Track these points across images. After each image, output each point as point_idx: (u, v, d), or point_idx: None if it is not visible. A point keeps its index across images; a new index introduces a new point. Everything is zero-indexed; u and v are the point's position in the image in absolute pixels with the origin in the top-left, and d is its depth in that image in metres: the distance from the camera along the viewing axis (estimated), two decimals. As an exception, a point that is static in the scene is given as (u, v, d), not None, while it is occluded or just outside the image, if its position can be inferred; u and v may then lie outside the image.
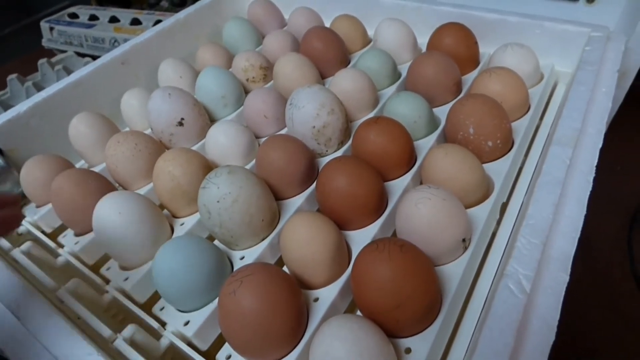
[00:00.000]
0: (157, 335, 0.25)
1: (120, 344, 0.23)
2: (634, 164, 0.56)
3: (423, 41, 0.44)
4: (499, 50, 0.38)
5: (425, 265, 0.23)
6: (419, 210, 0.25)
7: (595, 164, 0.27)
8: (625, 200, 0.52)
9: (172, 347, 0.25)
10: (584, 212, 0.24)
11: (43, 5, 1.32)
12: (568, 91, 0.35)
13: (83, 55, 0.71)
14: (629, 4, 0.42)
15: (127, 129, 0.43)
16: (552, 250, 0.22)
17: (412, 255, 0.22)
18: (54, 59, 0.70)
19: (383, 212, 0.29)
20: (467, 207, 0.28)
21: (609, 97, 0.32)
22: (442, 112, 0.36)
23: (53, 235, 0.33)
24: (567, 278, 0.21)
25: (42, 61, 0.67)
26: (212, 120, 0.40)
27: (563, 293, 0.21)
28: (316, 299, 0.25)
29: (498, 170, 0.30)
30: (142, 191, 0.34)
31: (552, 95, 0.40)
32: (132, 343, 0.24)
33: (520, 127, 0.33)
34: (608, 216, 0.49)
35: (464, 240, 0.25)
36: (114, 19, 0.73)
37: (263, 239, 0.29)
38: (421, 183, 0.32)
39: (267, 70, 0.44)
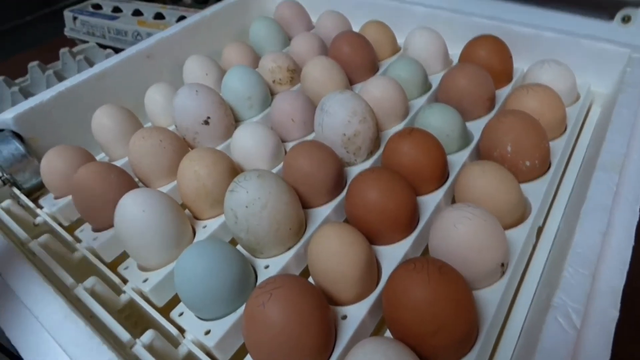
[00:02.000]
0: (175, 343, 0.24)
1: (139, 350, 0.22)
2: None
3: (454, 52, 0.43)
4: (535, 66, 0.37)
5: (465, 289, 0.22)
6: (458, 230, 0.24)
7: (641, 191, 0.26)
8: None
9: (189, 355, 0.24)
10: (632, 243, 0.23)
11: (69, -2, 1.33)
12: (608, 113, 0.34)
13: (104, 47, 0.71)
14: (668, 27, 0.41)
15: (149, 124, 0.42)
16: (600, 283, 0.21)
17: (451, 278, 0.21)
18: (75, 49, 0.69)
19: (415, 229, 0.28)
20: (504, 228, 0.27)
21: (652, 122, 0.31)
22: (474, 126, 0.35)
23: (70, 229, 0.32)
24: (617, 314, 0.20)
25: (63, 50, 0.67)
26: (237, 120, 0.40)
27: (613, 331, 0.20)
28: (344, 317, 0.24)
29: (535, 191, 0.29)
30: (165, 189, 0.33)
31: (586, 116, 0.38)
32: (151, 350, 0.23)
33: (557, 147, 0.32)
34: None
35: (502, 264, 0.24)
36: (137, 12, 0.72)
37: (289, 249, 0.28)
38: (453, 200, 0.31)
39: (295, 72, 0.43)
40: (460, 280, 0.22)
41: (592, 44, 0.38)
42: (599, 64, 0.38)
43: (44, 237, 0.30)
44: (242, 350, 0.24)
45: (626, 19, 0.44)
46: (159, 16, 0.71)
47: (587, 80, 0.38)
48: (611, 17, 0.45)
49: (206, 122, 0.36)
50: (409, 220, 0.27)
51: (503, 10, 0.45)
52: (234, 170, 0.31)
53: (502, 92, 0.38)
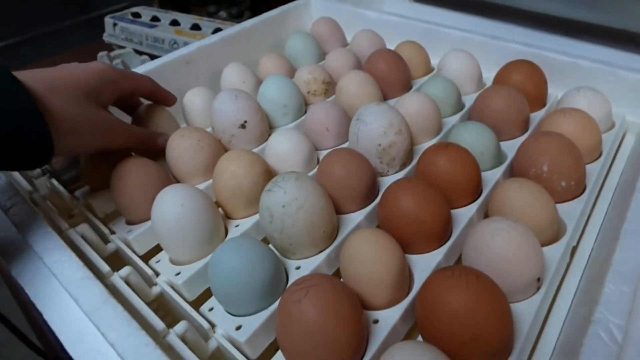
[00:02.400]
0: (206, 336, 0.25)
1: (173, 339, 0.23)
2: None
3: (487, 76, 0.44)
4: (571, 92, 0.38)
5: (502, 299, 0.21)
6: (496, 242, 0.24)
7: (681, 217, 0.26)
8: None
9: (219, 350, 0.24)
10: (673, 266, 0.23)
11: (103, 3, 1.39)
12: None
13: (141, 53, 0.73)
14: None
15: (184, 125, 0.43)
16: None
17: (489, 287, 0.21)
18: (112, 53, 0.72)
19: (447, 240, 0.28)
20: (538, 246, 0.27)
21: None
22: (507, 146, 0.35)
23: (105, 220, 0.33)
24: (659, 334, 0.20)
25: (101, 54, 0.70)
26: (271, 127, 0.40)
27: (655, 351, 0.19)
28: (376, 321, 0.24)
29: (570, 212, 0.29)
30: (200, 187, 0.33)
31: (620, 144, 0.38)
32: (184, 340, 0.23)
33: (592, 171, 0.32)
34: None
35: (538, 279, 0.24)
36: (175, 22, 0.75)
37: (320, 251, 0.28)
38: (486, 215, 0.31)
39: (329, 85, 0.44)
40: (498, 289, 0.22)
41: (627, 75, 0.38)
42: (635, 94, 0.39)
43: (81, 227, 0.30)
44: (270, 350, 0.24)
45: (660, 53, 0.44)
46: (195, 27, 0.73)
47: (622, 110, 0.38)
48: (645, 49, 0.45)
49: (243, 126, 0.37)
50: (443, 231, 0.27)
51: (537, 38, 0.46)
52: (269, 172, 0.32)
53: (536, 116, 0.39)
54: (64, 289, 0.24)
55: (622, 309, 0.20)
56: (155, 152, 0.35)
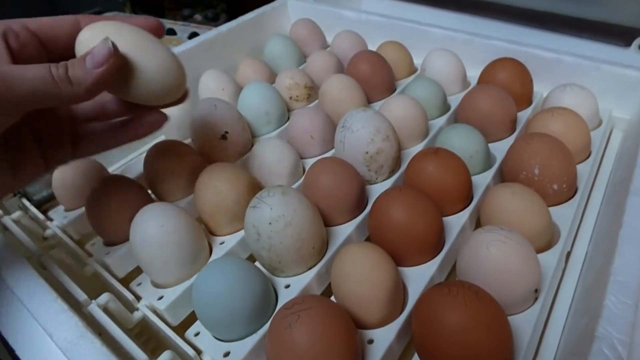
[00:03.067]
0: (192, 365, 0.23)
1: (156, 372, 0.21)
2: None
3: (472, 75, 0.43)
4: (557, 90, 0.37)
5: (502, 316, 0.21)
6: (491, 253, 0.23)
7: (675, 217, 0.25)
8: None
9: (206, 379, 0.23)
10: (671, 270, 0.22)
11: (72, 9, 1.34)
12: (633, 138, 0.33)
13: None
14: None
15: (163, 137, 0.41)
16: (642, 312, 0.20)
17: (488, 304, 0.20)
18: (86, 61, 0.69)
19: (441, 250, 0.27)
20: (533, 252, 0.26)
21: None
22: (496, 148, 0.35)
23: (81, 243, 0.31)
24: (662, 345, 0.19)
25: (74, 62, 0.67)
26: (253, 136, 0.39)
27: (659, 363, 0.19)
28: (371, 341, 0.23)
29: (563, 215, 0.29)
30: (180, 204, 0.32)
31: (608, 141, 0.38)
32: (168, 372, 0.21)
33: (583, 172, 0.32)
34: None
35: (536, 290, 0.23)
36: (149, 27, 0.73)
37: (310, 268, 0.27)
38: (478, 221, 0.30)
39: (311, 89, 0.43)
40: (497, 306, 0.21)
41: (613, 70, 0.38)
42: (621, 89, 0.38)
43: (56, 251, 0.28)
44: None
45: (642, 47, 0.44)
46: (170, 32, 0.71)
47: (608, 106, 0.38)
48: (627, 44, 0.45)
49: (224, 137, 0.35)
50: (436, 241, 0.27)
51: (520, 34, 0.45)
52: (254, 186, 0.31)
53: (522, 115, 0.38)
54: (38, 324, 0.22)
55: (626, 323, 0.19)
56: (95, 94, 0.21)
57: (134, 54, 0.22)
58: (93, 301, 0.24)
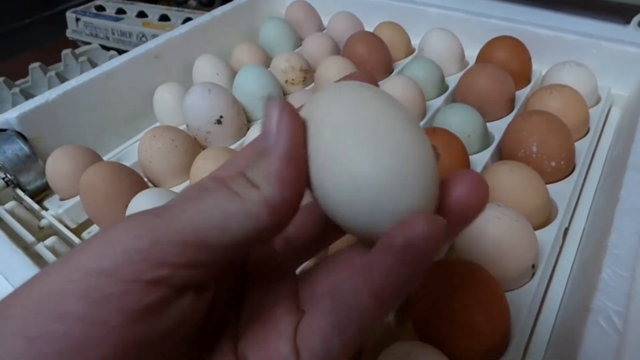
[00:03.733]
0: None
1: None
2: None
3: (470, 54, 0.43)
4: (556, 67, 0.37)
5: (499, 291, 0.21)
6: (489, 230, 0.23)
7: (673, 192, 0.25)
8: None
9: None
10: (669, 244, 0.22)
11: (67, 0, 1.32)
12: (632, 115, 0.33)
13: (108, 49, 0.70)
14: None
15: (158, 124, 0.41)
16: (638, 285, 0.20)
17: (486, 280, 0.20)
18: (78, 50, 0.68)
19: (439, 230, 0.27)
20: (531, 230, 0.26)
21: (678, 123, 0.30)
22: (494, 127, 0.34)
23: (77, 231, 0.31)
24: (659, 318, 0.19)
25: (66, 52, 0.66)
26: (249, 120, 0.39)
27: (657, 335, 0.19)
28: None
29: (561, 192, 0.28)
30: (176, 189, 0.32)
31: (606, 118, 0.38)
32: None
33: (581, 149, 0.31)
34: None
35: (533, 266, 0.23)
36: (142, 14, 0.71)
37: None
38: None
39: (307, 72, 0.42)
40: (495, 282, 0.21)
41: (612, 47, 0.38)
42: (619, 66, 0.38)
43: (50, 240, 0.28)
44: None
45: (642, 23, 0.44)
46: (164, 18, 0.70)
47: (607, 83, 0.38)
48: (627, 22, 0.45)
49: (219, 122, 0.35)
50: (434, 221, 0.26)
51: (518, 12, 0.44)
52: (249, 170, 0.30)
53: (521, 94, 0.38)
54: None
55: (621, 295, 0.19)
56: None
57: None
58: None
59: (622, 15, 0.45)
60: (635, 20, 0.44)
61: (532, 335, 0.23)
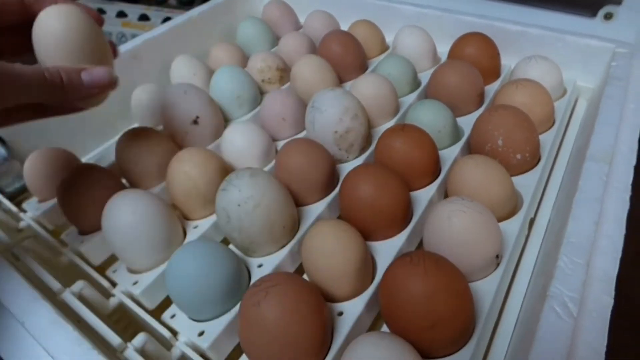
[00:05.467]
0: (168, 345, 0.24)
1: (131, 354, 0.22)
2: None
3: (442, 50, 0.43)
4: (522, 62, 0.38)
5: (462, 282, 0.21)
6: (453, 223, 0.24)
7: (630, 182, 0.26)
8: None
9: (183, 357, 0.24)
10: (624, 231, 0.24)
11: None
12: (595, 106, 0.34)
13: (87, 49, 0.69)
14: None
15: (136, 125, 0.41)
16: (594, 271, 0.21)
17: (448, 271, 0.21)
18: (57, 51, 0.68)
19: (408, 223, 0.28)
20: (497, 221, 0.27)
21: (638, 114, 0.32)
22: (464, 122, 0.35)
23: (55, 233, 0.31)
24: (611, 301, 0.20)
25: (44, 53, 0.65)
26: (226, 120, 0.39)
27: (609, 318, 0.20)
28: (340, 313, 0.23)
29: (526, 184, 0.29)
30: (154, 191, 0.32)
31: (573, 110, 0.39)
32: (143, 353, 0.22)
33: (546, 141, 0.33)
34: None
35: (497, 256, 0.24)
36: (121, 14, 0.71)
37: (282, 247, 0.27)
38: (446, 194, 0.31)
39: (284, 71, 0.43)
40: (457, 273, 0.22)
41: (577, 40, 0.39)
42: (584, 59, 0.39)
43: (28, 242, 0.29)
44: (237, 351, 0.23)
45: (608, 16, 0.45)
46: (143, 17, 0.70)
47: (573, 75, 0.39)
48: (594, 14, 0.46)
49: (195, 122, 0.35)
50: (403, 215, 0.27)
51: (489, 8, 0.45)
52: (225, 169, 0.31)
53: (490, 88, 0.39)
54: (10, 312, 0.23)
55: (577, 281, 0.20)
56: (86, 100, 0.24)
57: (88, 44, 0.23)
58: (67, 289, 0.25)
59: (589, 8, 0.47)
60: (601, 12, 0.45)
61: (499, 322, 0.25)
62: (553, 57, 0.38)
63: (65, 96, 0.22)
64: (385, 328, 0.23)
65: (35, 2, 0.23)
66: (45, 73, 0.22)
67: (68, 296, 0.24)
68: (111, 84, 0.24)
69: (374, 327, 0.25)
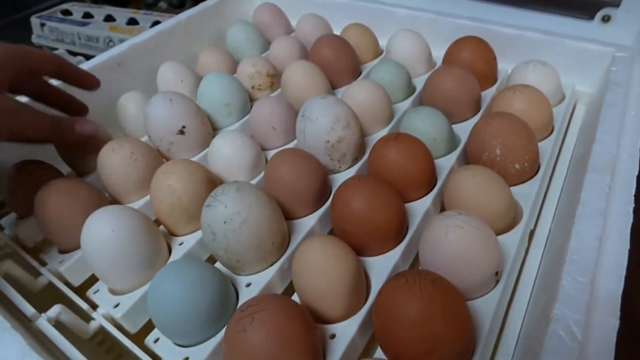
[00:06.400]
0: (151, 372, 0.22)
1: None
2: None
3: (437, 55, 0.42)
4: (520, 66, 0.37)
5: (460, 303, 0.20)
6: (449, 239, 0.22)
7: (633, 193, 0.25)
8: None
9: (167, 386, 0.22)
10: (628, 246, 0.22)
11: (33, 1, 1.28)
12: (594, 113, 0.33)
13: (75, 54, 0.68)
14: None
15: (122, 135, 0.40)
16: (599, 291, 0.20)
17: (446, 292, 0.20)
18: (43, 57, 0.66)
19: (404, 238, 0.27)
20: (495, 234, 0.26)
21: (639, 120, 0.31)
22: (460, 129, 0.34)
23: (35, 251, 0.30)
24: (617, 322, 0.19)
25: (30, 58, 0.64)
26: (215, 129, 0.38)
27: (615, 340, 0.19)
28: (333, 336, 0.22)
29: (525, 194, 0.28)
30: (137, 205, 0.31)
31: (571, 116, 0.38)
32: (123, 383, 0.21)
33: (545, 149, 0.32)
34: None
35: (496, 273, 0.23)
36: (109, 18, 0.69)
37: (272, 264, 0.26)
38: (442, 205, 0.29)
39: (275, 77, 0.41)
40: (455, 293, 0.20)
41: (575, 44, 0.38)
42: (583, 63, 0.38)
43: (5, 263, 0.27)
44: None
45: (606, 19, 0.44)
46: (132, 22, 0.68)
47: (571, 80, 0.38)
48: (591, 17, 0.45)
49: (181, 132, 0.34)
50: (398, 229, 0.26)
51: (485, 11, 0.44)
52: (212, 182, 0.30)
53: (487, 94, 0.38)
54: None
55: (581, 302, 0.19)
56: (77, 143, 0.32)
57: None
58: (42, 315, 0.23)
59: (587, 11, 0.46)
60: (598, 15, 0.44)
61: (499, 343, 0.23)
62: (551, 61, 0.37)
63: (66, 138, 0.32)
64: (379, 351, 0.22)
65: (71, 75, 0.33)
66: (58, 120, 0.31)
67: (43, 323, 0.23)
68: (95, 137, 0.33)
69: (368, 350, 0.24)
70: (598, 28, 0.45)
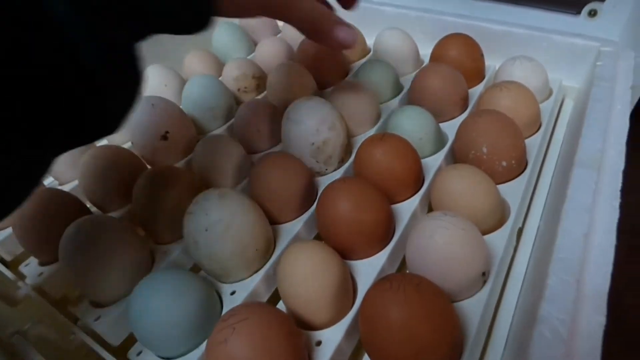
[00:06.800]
0: (134, 386, 0.22)
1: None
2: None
3: (425, 52, 0.42)
4: (507, 63, 0.36)
5: (446, 306, 0.20)
6: (435, 241, 0.22)
7: (619, 187, 0.25)
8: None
9: (150, 399, 0.22)
10: (614, 242, 0.22)
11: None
12: (581, 108, 0.33)
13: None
14: (632, 18, 0.41)
15: (105, 141, 0.39)
16: (585, 288, 0.20)
17: (430, 296, 0.20)
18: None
19: (390, 240, 0.26)
20: (483, 233, 0.26)
21: (626, 115, 0.30)
22: (448, 127, 0.34)
23: (14, 264, 0.29)
24: (604, 321, 0.19)
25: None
26: (200, 133, 0.37)
27: (601, 339, 0.18)
28: (319, 342, 0.22)
29: (513, 192, 0.28)
30: (120, 213, 0.30)
31: (559, 111, 0.38)
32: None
33: (533, 145, 0.31)
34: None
35: (483, 273, 0.23)
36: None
37: (256, 271, 0.25)
38: (430, 206, 0.29)
39: (260, 79, 0.41)
40: (440, 296, 0.20)
41: (562, 39, 0.38)
42: (570, 58, 0.38)
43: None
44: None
45: (592, 13, 0.44)
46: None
47: (558, 75, 0.37)
48: (578, 12, 0.45)
49: (165, 138, 0.33)
50: (385, 232, 0.26)
51: (472, 8, 0.44)
52: (196, 187, 0.29)
53: (475, 91, 0.37)
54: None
55: (567, 301, 0.19)
56: (329, 44, 0.26)
57: None
58: (16, 334, 0.23)
59: (573, 6, 0.45)
60: (585, 10, 0.44)
61: (487, 345, 0.23)
62: (538, 57, 0.36)
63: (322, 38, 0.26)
64: (367, 357, 0.21)
65: None
66: (322, 15, 0.25)
67: (20, 340, 0.22)
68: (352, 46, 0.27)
69: (355, 356, 0.23)
70: (585, 23, 0.45)
